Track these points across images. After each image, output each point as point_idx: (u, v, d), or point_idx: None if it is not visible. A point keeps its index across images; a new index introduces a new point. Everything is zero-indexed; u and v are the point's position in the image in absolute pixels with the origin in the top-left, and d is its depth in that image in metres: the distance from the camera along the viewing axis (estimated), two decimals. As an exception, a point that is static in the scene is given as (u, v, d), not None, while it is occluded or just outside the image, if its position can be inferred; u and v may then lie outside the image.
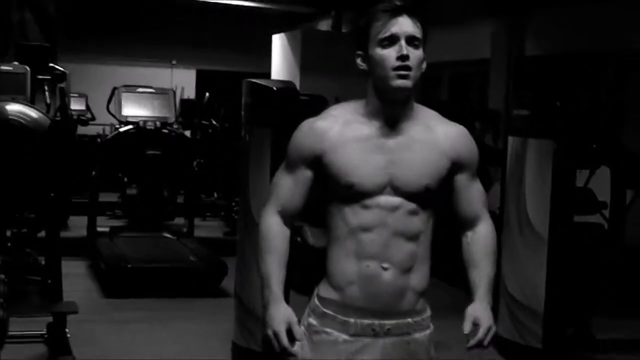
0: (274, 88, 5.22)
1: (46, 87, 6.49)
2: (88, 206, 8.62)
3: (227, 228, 10.31)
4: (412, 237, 2.37)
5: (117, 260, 7.33)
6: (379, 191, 2.35)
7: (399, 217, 2.35)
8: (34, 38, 9.47)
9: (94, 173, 8.58)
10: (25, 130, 5.44)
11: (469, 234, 2.51)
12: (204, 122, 11.32)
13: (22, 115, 5.50)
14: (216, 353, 5.52)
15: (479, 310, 2.37)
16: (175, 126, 9.12)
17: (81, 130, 10.84)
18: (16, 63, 6.43)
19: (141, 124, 8.45)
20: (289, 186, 2.46)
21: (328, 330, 2.41)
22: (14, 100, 5.61)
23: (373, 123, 2.38)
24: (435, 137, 2.40)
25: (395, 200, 2.36)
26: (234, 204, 9.88)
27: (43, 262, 6.07)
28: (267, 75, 11.77)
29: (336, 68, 9.64)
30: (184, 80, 14.50)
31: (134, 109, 8.70)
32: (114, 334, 5.98)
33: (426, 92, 10.91)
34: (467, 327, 2.33)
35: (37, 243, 6.20)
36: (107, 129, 11.54)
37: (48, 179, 5.53)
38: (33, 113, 5.57)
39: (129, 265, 7.16)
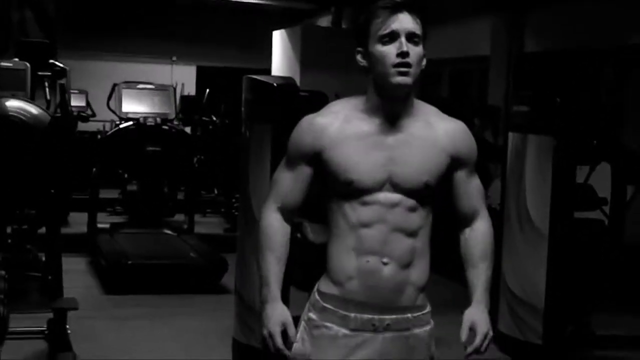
0: (274, 84, 5.22)
1: (46, 84, 6.48)
2: (88, 202, 8.63)
3: (227, 224, 10.31)
4: (412, 233, 2.38)
5: (117, 257, 7.33)
6: (378, 188, 2.35)
7: (398, 214, 2.36)
8: (34, 35, 9.47)
9: (94, 169, 8.59)
10: (25, 126, 5.44)
11: (467, 230, 2.52)
12: (204, 118, 11.34)
13: (22, 112, 5.50)
14: (216, 349, 5.52)
15: (475, 315, 2.40)
16: (175, 122, 9.11)
17: (81, 126, 10.86)
18: (16, 59, 6.42)
19: (141, 120, 8.45)
20: (289, 182, 2.48)
21: (328, 324, 2.41)
22: (14, 97, 5.61)
23: (373, 120, 2.38)
24: (434, 134, 2.41)
25: (395, 196, 2.36)
26: (234, 200, 9.88)
27: (43, 259, 6.07)
28: (268, 71, 11.77)
29: (336, 64, 9.65)
30: (184, 77, 14.52)
31: (134, 106, 8.70)
32: (115, 331, 5.98)
33: (426, 88, 10.91)
34: (464, 334, 2.37)
35: (37, 239, 6.21)
36: (108, 125, 11.55)
37: (48, 176, 5.54)
38: (33, 109, 5.57)
39: (129, 262, 7.16)
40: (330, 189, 2.42)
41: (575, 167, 5.75)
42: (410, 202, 2.37)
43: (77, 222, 9.04)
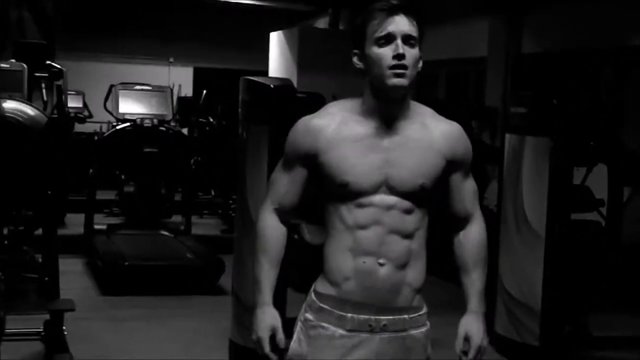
0: (271, 85, 5.22)
1: (43, 85, 6.49)
2: (85, 204, 8.61)
3: (224, 226, 10.31)
4: (408, 235, 2.38)
5: (114, 258, 7.32)
6: (374, 190, 2.36)
7: (394, 216, 2.36)
8: (31, 36, 9.47)
9: (91, 171, 8.57)
10: (22, 127, 5.44)
11: (461, 234, 2.54)
12: (201, 119, 11.34)
13: (19, 113, 5.50)
14: (213, 351, 5.52)
15: (470, 325, 2.44)
16: (172, 124, 9.11)
17: (78, 127, 10.85)
18: (13, 61, 6.43)
19: (138, 121, 8.44)
20: (286, 184, 2.49)
21: (325, 325, 2.42)
22: (11, 98, 5.61)
23: (369, 122, 2.38)
24: (430, 136, 2.41)
25: (391, 199, 2.36)
26: (231, 201, 9.88)
27: (40, 260, 6.07)
28: (265, 72, 11.76)
29: (333, 66, 9.64)
30: (181, 78, 14.49)
31: (131, 107, 8.70)
32: (111, 332, 5.98)
33: (423, 90, 10.92)
34: (458, 345, 2.43)
35: (34, 241, 6.21)
36: (105, 126, 11.55)
37: (45, 177, 5.53)
38: (30, 111, 5.57)
39: (126, 263, 7.15)
40: (326, 191, 2.42)
41: (572, 169, 5.76)
42: (406, 204, 2.37)
43: (74, 223, 9.03)
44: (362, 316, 2.39)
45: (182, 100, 12.13)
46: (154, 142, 8.43)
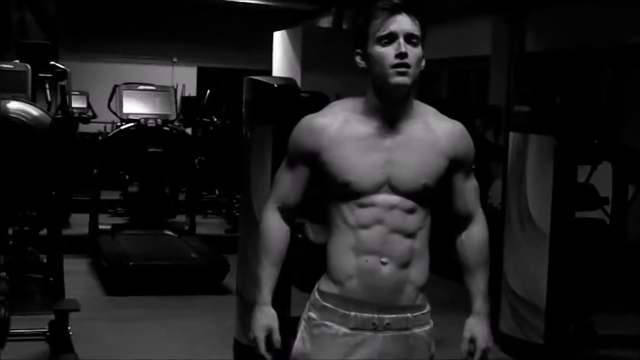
0: (275, 85, 5.22)
1: (47, 85, 6.49)
2: (90, 204, 8.63)
3: (228, 225, 10.31)
4: (410, 234, 2.39)
5: (118, 258, 7.33)
6: (376, 190, 2.36)
7: (396, 215, 2.37)
8: (34, 36, 9.48)
9: (95, 171, 8.59)
10: (26, 128, 5.44)
11: (464, 235, 2.55)
12: (205, 119, 11.35)
13: (23, 114, 5.50)
14: (218, 350, 5.52)
15: (475, 326, 2.48)
16: (176, 123, 9.12)
17: (82, 128, 10.88)
18: (17, 61, 6.44)
19: (142, 121, 8.45)
20: (288, 182, 2.49)
21: (328, 323, 2.42)
22: (15, 99, 5.61)
23: (372, 121, 2.38)
24: (433, 136, 2.41)
25: (393, 198, 2.36)
26: (235, 201, 9.88)
27: (45, 260, 6.08)
28: (268, 72, 11.76)
29: (337, 65, 9.62)
30: (185, 78, 14.51)
31: (135, 107, 8.71)
32: (116, 332, 5.98)
33: (426, 88, 10.91)
34: (464, 347, 2.47)
35: (38, 241, 6.21)
36: (109, 126, 11.56)
37: (49, 177, 5.54)
38: (34, 111, 5.57)
39: (131, 263, 7.16)
40: (328, 190, 2.42)
41: (576, 167, 5.75)
42: (409, 203, 2.37)
43: (79, 223, 9.04)
44: (366, 314, 2.39)
45: (185, 100, 12.14)
46: (158, 142, 8.44)
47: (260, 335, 2.41)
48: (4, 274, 4.49)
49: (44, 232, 5.95)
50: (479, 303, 2.50)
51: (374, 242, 2.36)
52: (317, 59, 10.92)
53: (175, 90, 9.76)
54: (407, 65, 2.30)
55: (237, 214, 8.67)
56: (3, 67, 6.10)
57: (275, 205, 2.52)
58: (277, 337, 2.42)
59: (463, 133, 2.48)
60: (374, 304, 2.38)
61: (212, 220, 10.87)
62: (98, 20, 14.27)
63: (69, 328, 5.22)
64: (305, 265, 5.47)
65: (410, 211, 2.38)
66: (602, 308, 6.14)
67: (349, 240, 2.38)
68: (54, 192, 5.54)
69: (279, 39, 12.14)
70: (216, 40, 15.01)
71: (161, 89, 9.24)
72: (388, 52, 2.30)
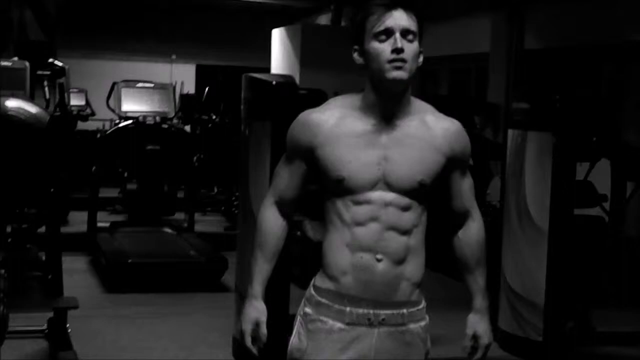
0: (273, 82, 5.22)
1: (46, 83, 6.51)
2: (88, 201, 8.62)
3: (227, 223, 10.31)
4: (406, 232, 2.39)
5: (117, 256, 7.33)
6: (371, 186, 2.36)
7: (392, 212, 2.37)
8: (33, 34, 9.47)
9: (94, 168, 8.58)
10: (24, 125, 5.44)
11: (460, 233, 2.56)
12: (203, 116, 11.33)
13: (21, 111, 5.50)
14: (217, 348, 5.52)
15: (477, 324, 2.52)
16: (175, 121, 9.13)
17: (81, 125, 10.87)
18: (16, 59, 6.44)
19: (141, 119, 8.45)
20: (286, 177, 2.51)
21: (323, 318, 2.42)
22: (14, 96, 5.61)
23: (368, 118, 2.39)
24: (430, 133, 2.41)
25: (388, 195, 2.37)
26: (234, 198, 9.88)
27: (43, 258, 6.07)
28: (267, 69, 11.77)
29: (336, 62, 9.60)
30: (183, 75, 14.50)
31: (134, 104, 8.71)
32: (115, 329, 5.98)
33: (425, 85, 10.91)
34: (467, 344, 2.51)
35: (37, 238, 6.20)
36: (107, 124, 11.55)
37: (48, 175, 5.54)
38: (32, 108, 5.57)
39: (130, 261, 7.16)
40: (324, 187, 2.43)
41: (575, 164, 5.75)
42: (404, 201, 2.38)
43: (77, 221, 9.04)
44: (361, 310, 2.40)
45: (184, 97, 12.14)
46: (156, 139, 8.45)
47: (248, 328, 2.46)
48: (2, 271, 4.48)
49: (43, 229, 5.95)
50: (479, 299, 2.53)
51: (369, 239, 2.36)
52: (315, 57, 10.92)
53: (174, 88, 9.76)
54: (403, 60, 2.30)
55: (236, 212, 8.66)
56: (2, 65, 6.10)
57: (272, 199, 2.54)
58: (263, 331, 2.46)
59: (460, 131, 2.48)
60: (369, 299, 2.39)
61: (210, 218, 10.87)
62: (96, 18, 14.27)
63: (68, 325, 5.22)
64: (304, 262, 5.49)
65: (406, 208, 2.38)
66: (601, 305, 6.14)
67: (344, 237, 2.39)
68: (52, 190, 5.54)
69: (278, 37, 12.14)
70: (215, 37, 15.01)
71: (160, 87, 9.24)
72: (384, 48, 2.31)
